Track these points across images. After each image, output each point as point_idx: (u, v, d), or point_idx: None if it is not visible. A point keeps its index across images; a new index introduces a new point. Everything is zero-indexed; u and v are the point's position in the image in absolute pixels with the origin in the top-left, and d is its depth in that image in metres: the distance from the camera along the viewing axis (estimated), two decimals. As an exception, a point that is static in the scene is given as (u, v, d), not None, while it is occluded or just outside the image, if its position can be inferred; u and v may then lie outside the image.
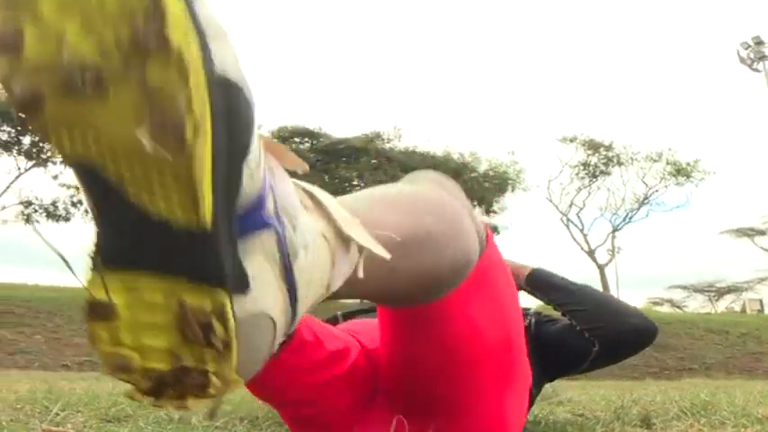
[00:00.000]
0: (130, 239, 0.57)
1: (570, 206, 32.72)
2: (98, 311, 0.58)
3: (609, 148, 31.83)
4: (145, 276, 0.57)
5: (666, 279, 52.48)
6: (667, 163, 31.90)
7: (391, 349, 1.28)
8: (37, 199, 28.31)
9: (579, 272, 34.32)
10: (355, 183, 25.32)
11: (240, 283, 0.58)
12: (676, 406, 2.35)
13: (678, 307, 37.81)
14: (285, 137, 30.90)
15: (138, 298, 0.57)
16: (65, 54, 0.51)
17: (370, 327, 1.42)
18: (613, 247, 32.89)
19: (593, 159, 32.04)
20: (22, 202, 28.02)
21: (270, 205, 0.62)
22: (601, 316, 1.88)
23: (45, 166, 27.75)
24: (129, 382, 0.59)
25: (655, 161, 32.02)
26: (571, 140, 31.84)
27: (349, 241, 0.74)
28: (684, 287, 39.37)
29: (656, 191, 32.65)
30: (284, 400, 1.34)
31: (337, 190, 20.88)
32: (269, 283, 0.62)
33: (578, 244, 32.53)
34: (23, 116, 0.52)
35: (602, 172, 32.18)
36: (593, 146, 31.78)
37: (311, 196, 0.73)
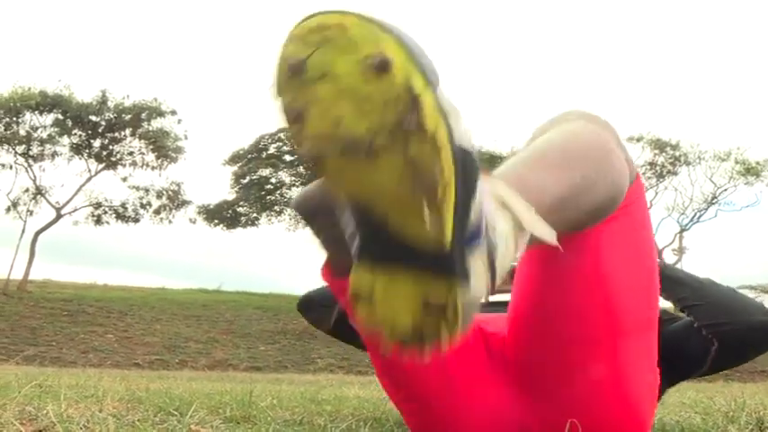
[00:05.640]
0: (390, 251, 0.79)
1: (637, 206, 32.08)
2: (361, 296, 0.81)
3: (676, 147, 31.35)
4: (401, 269, 0.79)
5: (735, 279, 51.16)
6: (736, 162, 31.23)
7: (530, 301, 1.36)
8: (107, 201, 29.04)
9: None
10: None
11: (465, 277, 0.78)
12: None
13: (747, 309, 36.80)
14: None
15: (393, 282, 0.79)
16: (341, 129, 0.72)
17: (498, 318, 1.46)
18: (681, 247, 32.28)
19: (660, 159, 31.56)
20: (92, 204, 28.77)
21: (483, 225, 0.81)
22: (720, 312, 1.75)
23: (114, 168, 28.44)
24: (379, 341, 0.82)
25: (723, 160, 31.38)
26: (637, 140, 31.35)
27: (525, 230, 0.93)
28: (753, 287, 38.30)
29: (725, 190, 31.92)
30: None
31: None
32: (481, 275, 0.81)
33: (645, 244, 31.91)
34: (310, 167, 0.72)
35: (669, 172, 31.65)
36: (660, 145, 31.32)
37: (500, 199, 0.89)
